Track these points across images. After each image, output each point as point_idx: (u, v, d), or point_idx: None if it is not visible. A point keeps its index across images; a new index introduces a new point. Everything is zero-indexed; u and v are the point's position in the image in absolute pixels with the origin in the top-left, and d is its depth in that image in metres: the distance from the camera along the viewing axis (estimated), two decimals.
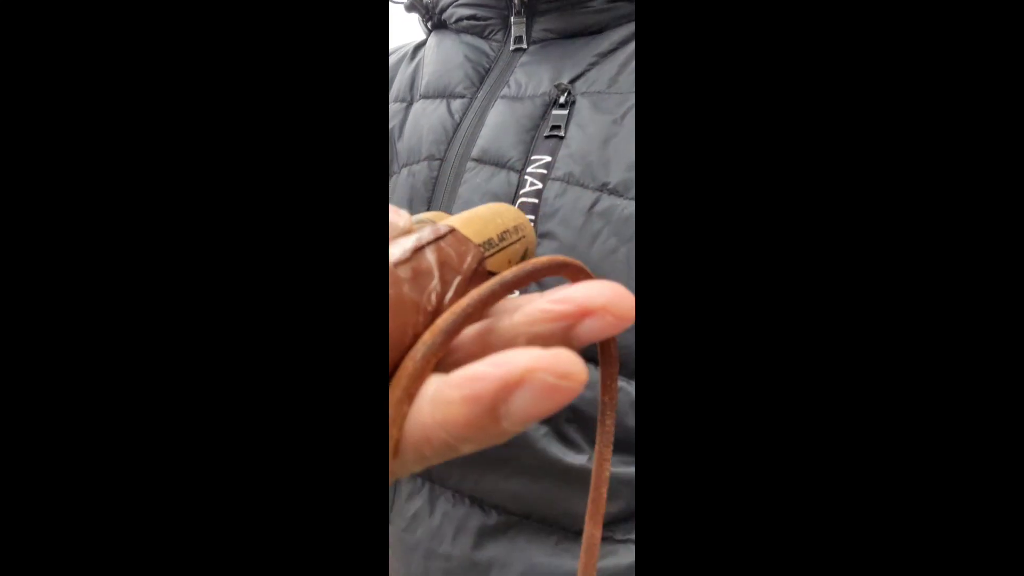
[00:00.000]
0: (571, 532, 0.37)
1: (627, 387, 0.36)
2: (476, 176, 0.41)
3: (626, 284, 0.35)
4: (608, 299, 0.16)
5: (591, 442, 0.36)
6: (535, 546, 0.37)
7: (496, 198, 0.40)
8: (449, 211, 0.41)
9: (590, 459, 0.36)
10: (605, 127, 0.39)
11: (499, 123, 0.42)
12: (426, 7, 0.51)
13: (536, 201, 0.39)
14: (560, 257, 0.19)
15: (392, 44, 0.56)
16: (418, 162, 0.44)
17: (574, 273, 0.20)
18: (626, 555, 0.36)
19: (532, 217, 0.39)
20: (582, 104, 0.41)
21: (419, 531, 0.38)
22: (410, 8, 0.52)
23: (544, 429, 0.36)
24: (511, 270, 0.18)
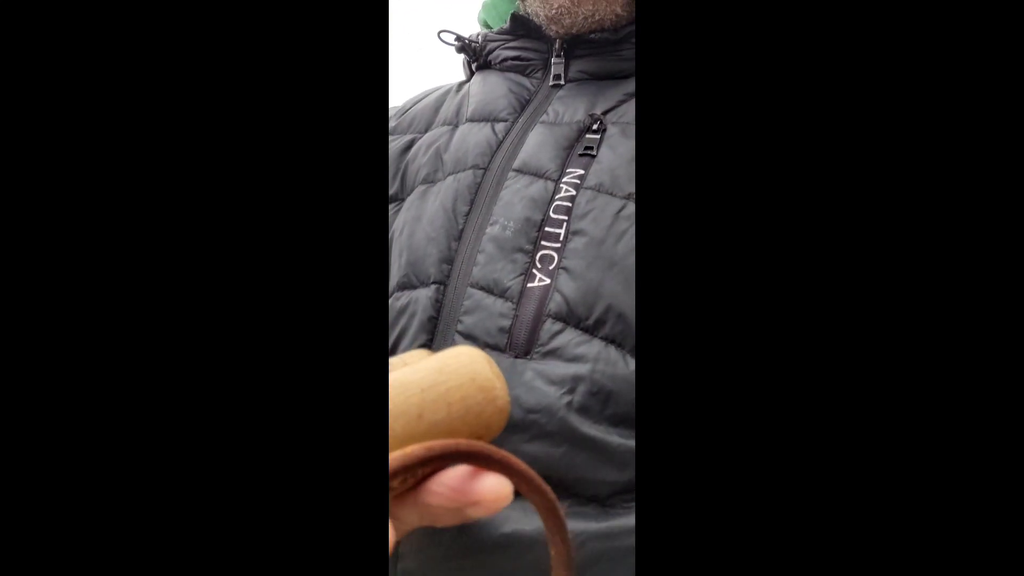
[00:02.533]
0: (583, 497, 0.40)
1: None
2: (516, 183, 0.46)
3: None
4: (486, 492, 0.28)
5: (608, 417, 0.40)
6: None
7: (534, 202, 0.45)
8: (490, 212, 0.46)
9: (604, 430, 0.39)
10: (631, 149, 0.45)
11: (539, 142, 0.48)
12: (474, 50, 0.58)
13: (570, 204, 0.44)
14: (467, 445, 0.28)
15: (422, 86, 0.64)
16: (464, 170, 0.49)
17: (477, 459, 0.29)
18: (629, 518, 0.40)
19: (565, 218, 0.44)
20: (612, 131, 0.47)
21: None
22: (460, 50, 0.59)
23: (567, 399, 0.40)
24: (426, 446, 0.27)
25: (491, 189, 0.47)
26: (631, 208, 0.43)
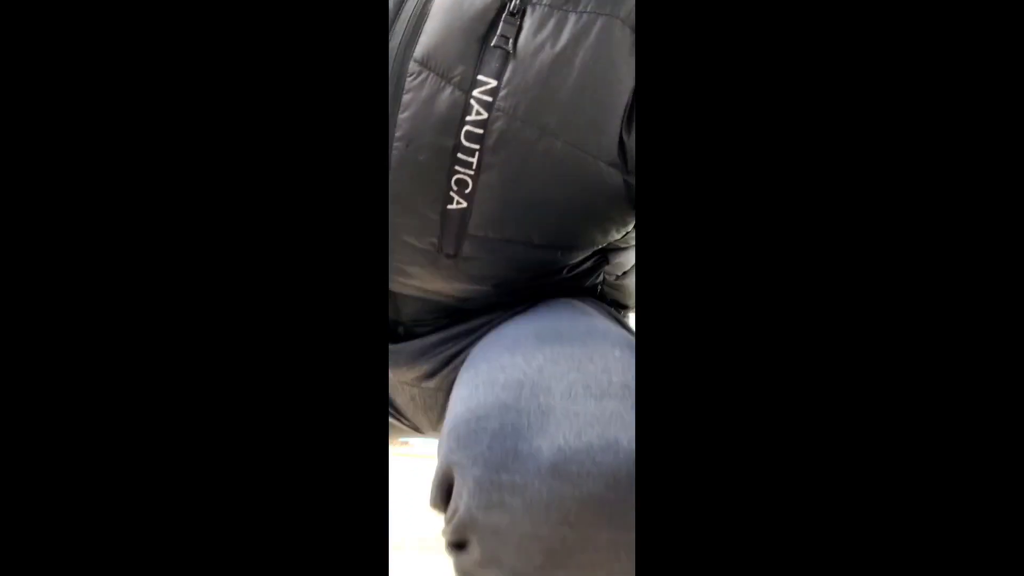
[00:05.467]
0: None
1: None
2: (422, 87, 0.41)
3: (555, 225, 0.44)
4: None
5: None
6: None
7: (444, 124, 0.41)
8: (393, 124, 0.42)
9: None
10: (551, 58, 0.40)
11: (445, 23, 0.41)
12: None
13: (481, 132, 0.40)
14: None
15: None
16: None
17: None
18: None
19: (477, 146, 0.41)
20: (533, 16, 0.40)
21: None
22: None
23: (490, 285, 0.47)
24: None
25: (391, 85, 0.42)
26: (547, 143, 0.40)
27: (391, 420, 0.59)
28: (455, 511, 0.33)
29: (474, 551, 0.33)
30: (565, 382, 0.33)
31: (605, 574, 0.31)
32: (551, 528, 0.30)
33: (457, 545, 0.34)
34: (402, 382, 0.51)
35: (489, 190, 0.41)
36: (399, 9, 0.42)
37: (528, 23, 0.40)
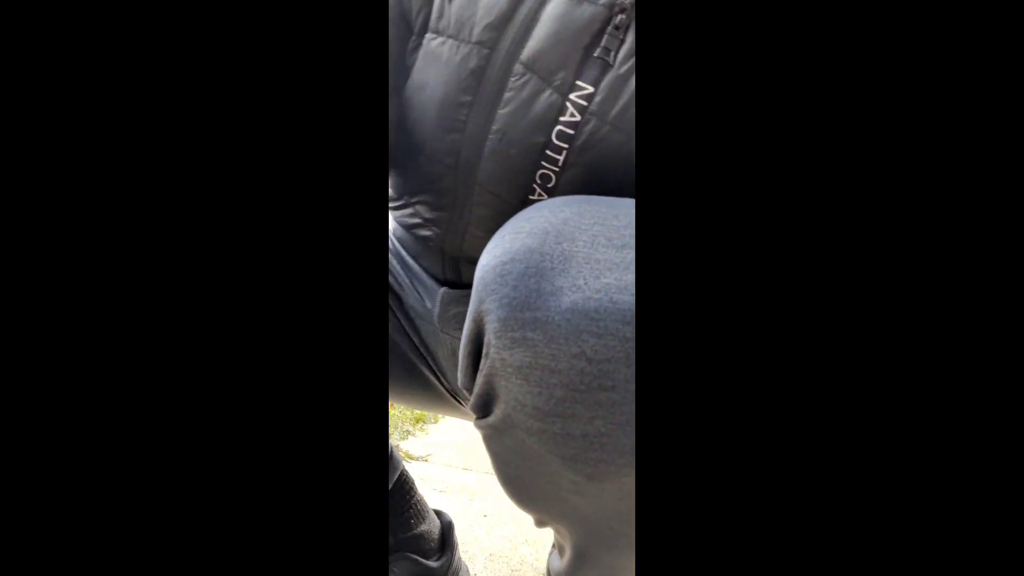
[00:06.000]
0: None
1: None
2: (523, 88, 0.44)
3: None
4: None
5: None
6: None
7: (539, 124, 0.43)
8: (492, 115, 0.44)
9: None
10: None
11: (554, 31, 0.43)
12: None
13: (572, 132, 0.43)
14: None
15: None
16: (468, 43, 0.46)
17: None
18: None
19: (567, 146, 0.43)
20: (634, 34, 0.42)
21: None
22: None
23: None
24: None
25: (495, 83, 0.44)
26: (631, 147, 0.42)
27: (432, 381, 0.61)
28: (484, 365, 0.36)
29: (499, 407, 0.36)
30: (589, 233, 0.36)
31: (623, 416, 0.33)
32: (569, 361, 0.33)
33: (484, 409, 0.37)
34: (444, 332, 0.54)
35: (570, 186, 0.44)
36: (513, 12, 0.44)
37: (630, 38, 0.42)
